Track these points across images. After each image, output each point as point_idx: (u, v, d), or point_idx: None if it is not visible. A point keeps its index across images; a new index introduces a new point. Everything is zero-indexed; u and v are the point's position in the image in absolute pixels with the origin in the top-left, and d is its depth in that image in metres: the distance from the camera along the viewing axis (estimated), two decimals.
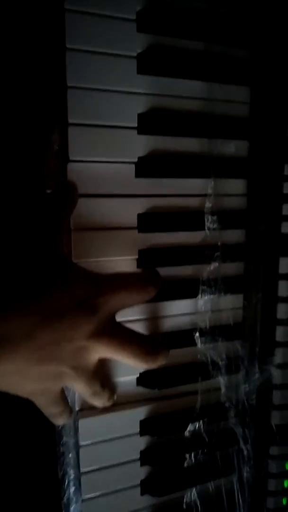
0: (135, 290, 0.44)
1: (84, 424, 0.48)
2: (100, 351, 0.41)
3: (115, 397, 0.48)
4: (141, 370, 0.50)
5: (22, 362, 0.38)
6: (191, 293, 0.51)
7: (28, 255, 0.39)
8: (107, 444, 0.49)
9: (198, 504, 0.54)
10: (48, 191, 0.45)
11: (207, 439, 0.54)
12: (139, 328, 0.49)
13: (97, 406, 0.47)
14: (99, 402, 0.46)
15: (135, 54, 0.45)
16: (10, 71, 0.44)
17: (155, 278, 0.46)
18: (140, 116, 0.46)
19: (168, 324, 0.51)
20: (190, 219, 0.50)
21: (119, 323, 0.44)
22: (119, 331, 0.43)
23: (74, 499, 0.49)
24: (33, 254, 0.39)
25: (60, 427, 0.48)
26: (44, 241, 0.41)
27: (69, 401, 0.46)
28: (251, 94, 0.51)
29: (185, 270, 0.51)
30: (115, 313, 0.43)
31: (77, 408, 0.48)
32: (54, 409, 0.44)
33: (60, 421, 0.46)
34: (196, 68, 0.48)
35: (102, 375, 0.45)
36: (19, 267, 0.38)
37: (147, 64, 0.46)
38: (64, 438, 0.48)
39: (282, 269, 0.54)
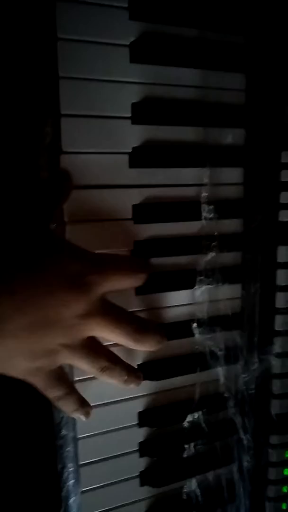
0: (127, 274, 0.44)
1: None
2: (92, 329, 0.42)
3: (139, 375, 0.47)
4: (140, 361, 0.50)
5: (12, 340, 0.38)
6: (188, 284, 0.51)
7: (18, 236, 0.39)
8: (105, 436, 0.49)
9: (198, 493, 0.55)
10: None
11: (206, 430, 0.53)
12: None
13: (120, 385, 0.46)
14: (115, 379, 0.45)
15: (127, 43, 0.44)
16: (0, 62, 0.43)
17: (146, 266, 0.47)
18: (134, 105, 0.46)
19: (166, 315, 0.51)
20: (186, 209, 0.49)
21: (111, 302, 0.43)
22: (112, 310, 0.43)
23: (74, 492, 0.49)
24: (23, 235, 0.40)
25: (59, 420, 0.48)
26: (36, 224, 0.41)
27: None
28: (246, 81, 0.50)
29: (182, 261, 0.50)
30: (106, 294, 0.43)
31: None
32: (55, 392, 0.43)
33: (67, 406, 0.44)
34: (190, 56, 0.47)
35: (102, 349, 0.44)
36: (7, 246, 0.39)
37: (140, 52, 0.45)
38: (63, 431, 0.48)
39: (280, 258, 0.53)
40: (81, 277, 0.40)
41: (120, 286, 0.44)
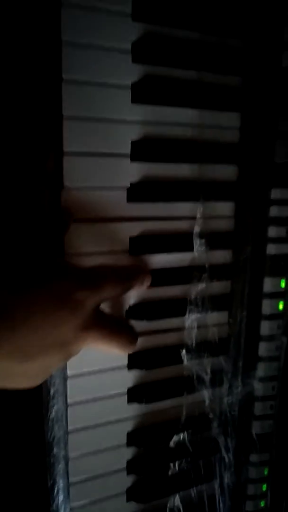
0: (118, 283, 0.45)
1: (74, 437, 0.50)
2: (87, 342, 0.43)
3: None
4: (130, 385, 0.52)
5: (9, 362, 0.38)
6: (179, 312, 0.53)
7: (14, 261, 0.41)
8: (95, 455, 0.52)
9: (181, 508, 0.57)
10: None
11: (191, 449, 0.56)
12: None
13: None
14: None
15: (129, 84, 0.46)
16: (7, 99, 0.45)
17: (141, 272, 0.48)
18: (133, 143, 0.48)
19: (156, 341, 0.53)
20: (180, 241, 0.52)
21: (104, 313, 0.45)
22: (106, 322, 0.44)
23: (63, 507, 0.52)
24: (19, 260, 0.41)
25: (51, 439, 0.50)
26: (33, 249, 0.43)
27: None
28: (241, 120, 0.52)
29: (174, 290, 0.53)
30: (100, 304, 0.44)
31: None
32: None
33: None
34: (188, 97, 0.49)
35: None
36: (3, 271, 0.40)
37: (141, 93, 0.47)
38: (55, 450, 0.51)
39: (266, 289, 0.56)
40: (71, 294, 0.41)
41: (113, 295, 0.45)
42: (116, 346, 0.46)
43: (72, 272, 0.43)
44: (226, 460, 0.59)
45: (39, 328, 0.39)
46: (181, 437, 0.56)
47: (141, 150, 0.48)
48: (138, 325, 0.51)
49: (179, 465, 0.56)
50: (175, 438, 0.55)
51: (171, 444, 0.55)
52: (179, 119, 0.50)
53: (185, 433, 0.56)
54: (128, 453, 0.54)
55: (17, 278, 0.40)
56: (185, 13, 0.47)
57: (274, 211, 0.54)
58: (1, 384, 0.40)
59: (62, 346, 0.41)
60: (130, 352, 0.48)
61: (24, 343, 0.38)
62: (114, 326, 0.45)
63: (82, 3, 0.43)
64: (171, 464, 0.56)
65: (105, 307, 0.48)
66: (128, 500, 0.55)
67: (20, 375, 0.40)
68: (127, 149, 0.47)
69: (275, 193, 0.54)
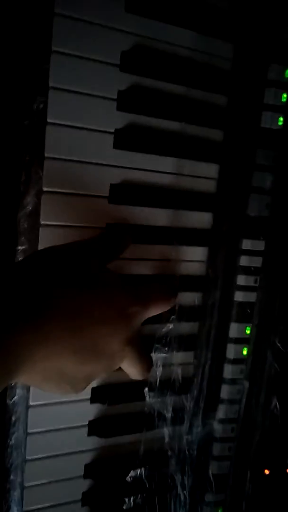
0: (165, 302, 0.50)
1: (31, 465, 0.51)
2: (126, 358, 0.45)
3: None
4: (91, 418, 0.54)
5: (63, 359, 0.40)
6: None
7: (81, 270, 0.42)
8: (51, 485, 0.53)
9: None
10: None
11: (147, 485, 0.57)
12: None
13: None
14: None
15: (113, 130, 0.48)
16: None
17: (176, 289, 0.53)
18: (112, 186, 0.49)
19: (120, 376, 0.54)
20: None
21: (139, 335, 0.47)
22: (139, 342, 0.47)
23: None
24: (86, 270, 0.43)
25: (9, 466, 0.51)
26: (97, 262, 0.45)
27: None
28: (219, 172, 0.54)
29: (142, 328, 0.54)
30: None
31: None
32: None
33: None
34: (170, 146, 0.51)
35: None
36: (70, 280, 0.41)
37: (124, 140, 0.49)
38: (11, 476, 0.52)
39: (231, 334, 0.58)
40: (127, 309, 0.44)
41: (156, 313, 0.48)
42: (139, 369, 0.48)
43: (126, 285, 0.46)
44: (182, 497, 0.60)
45: (99, 334, 0.41)
46: (138, 472, 0.57)
47: (120, 194, 0.50)
48: None
49: (134, 500, 0.57)
50: (132, 473, 0.57)
51: (128, 478, 0.57)
52: (159, 167, 0.52)
53: (143, 468, 0.57)
54: (84, 485, 0.55)
55: (87, 282, 0.42)
56: (171, 67, 0.50)
57: (244, 260, 0.56)
58: (46, 385, 0.42)
59: (110, 356, 0.43)
60: (145, 378, 0.50)
61: (84, 345, 0.40)
62: (143, 347, 0.48)
63: (72, 51, 0.45)
64: (126, 499, 0.57)
65: None
66: None
67: (68, 378, 0.41)
68: (106, 192, 0.49)
69: (246, 244, 0.56)
